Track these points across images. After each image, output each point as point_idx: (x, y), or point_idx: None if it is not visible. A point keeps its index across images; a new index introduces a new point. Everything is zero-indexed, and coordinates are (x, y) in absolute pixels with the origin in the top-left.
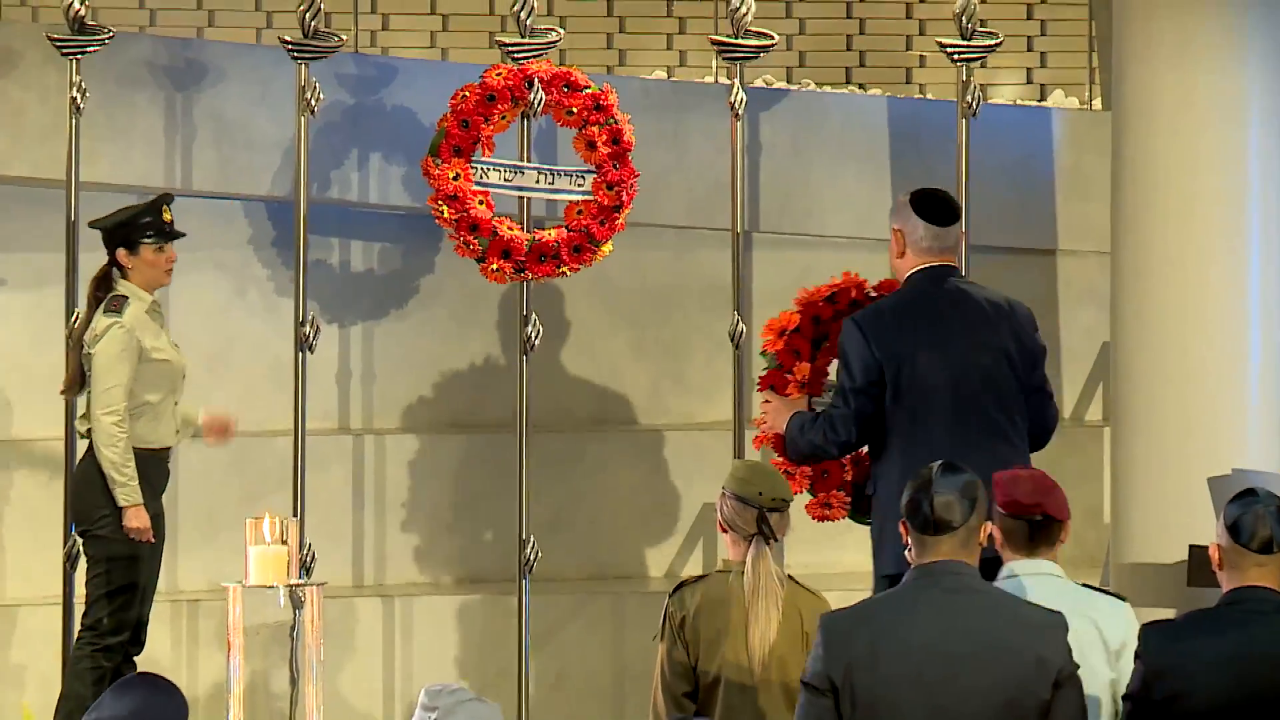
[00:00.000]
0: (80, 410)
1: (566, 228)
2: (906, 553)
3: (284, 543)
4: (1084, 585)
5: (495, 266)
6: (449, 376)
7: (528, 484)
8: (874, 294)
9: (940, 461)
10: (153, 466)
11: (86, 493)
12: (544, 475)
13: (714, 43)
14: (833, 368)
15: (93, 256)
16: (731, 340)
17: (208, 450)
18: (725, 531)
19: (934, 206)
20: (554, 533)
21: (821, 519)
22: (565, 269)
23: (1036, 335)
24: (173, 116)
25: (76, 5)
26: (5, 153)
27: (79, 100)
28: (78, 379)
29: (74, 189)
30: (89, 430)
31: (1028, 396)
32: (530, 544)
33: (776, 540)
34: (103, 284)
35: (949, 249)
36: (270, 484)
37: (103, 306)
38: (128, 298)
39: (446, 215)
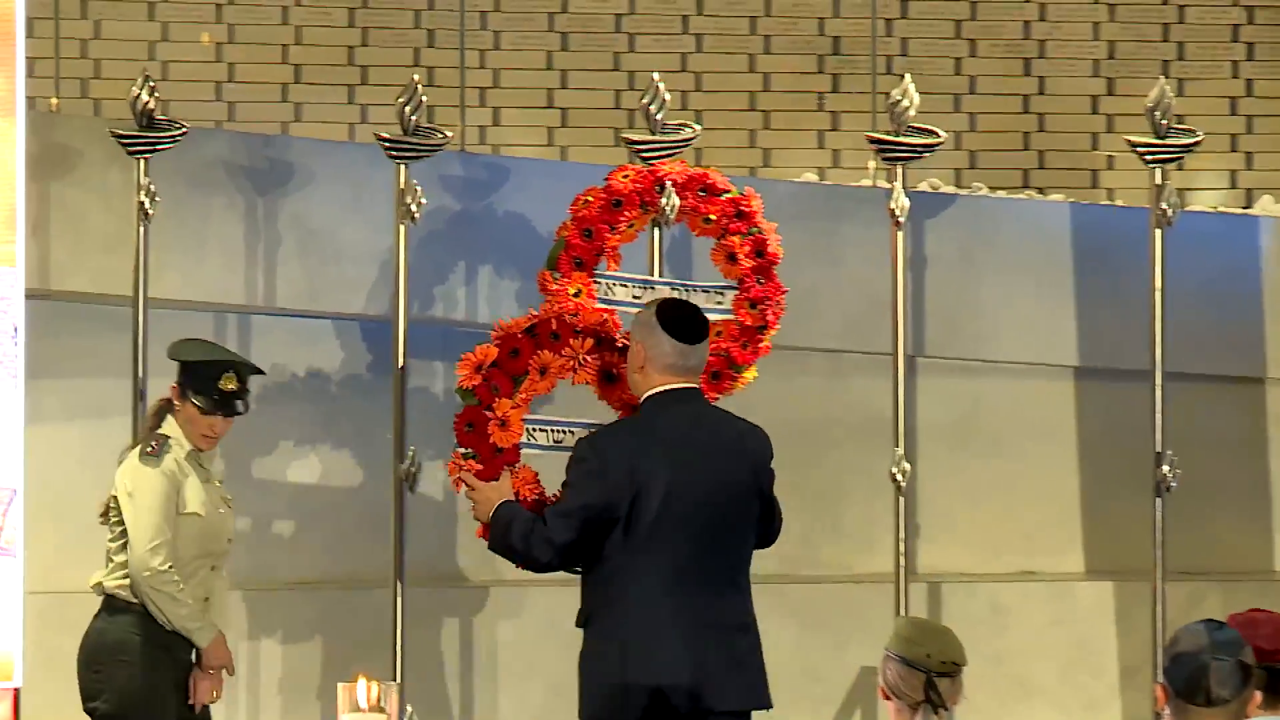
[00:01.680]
0: (108, 565)
1: None
2: (1165, 717)
3: (382, 710)
4: None
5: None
6: None
7: None
8: (579, 327)
9: (1207, 621)
10: (174, 636)
11: (96, 661)
12: None
13: (872, 141)
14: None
15: (163, 382)
16: (893, 481)
17: (292, 604)
18: (888, 699)
19: (682, 322)
20: None
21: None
22: None
23: (770, 462)
24: (253, 224)
25: (145, 97)
26: (63, 264)
27: (147, 205)
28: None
29: (141, 306)
30: (109, 586)
31: (759, 518)
32: None
33: (947, 709)
34: (157, 416)
35: (692, 369)
36: (366, 643)
37: (140, 448)
38: (169, 438)
39: None
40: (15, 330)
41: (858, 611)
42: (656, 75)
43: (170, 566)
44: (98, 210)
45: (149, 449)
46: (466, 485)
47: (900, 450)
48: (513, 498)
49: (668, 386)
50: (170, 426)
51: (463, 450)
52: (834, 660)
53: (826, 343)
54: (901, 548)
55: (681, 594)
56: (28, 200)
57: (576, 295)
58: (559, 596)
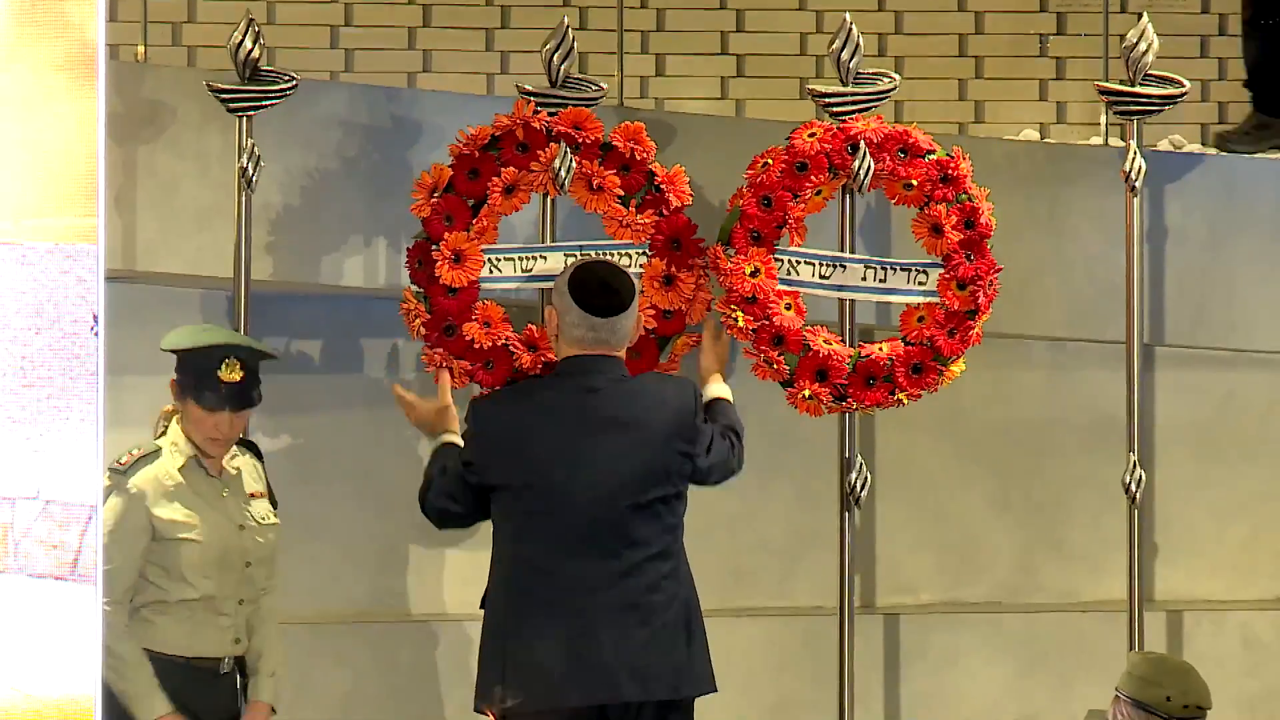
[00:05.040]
0: None
1: (904, 340)
2: None
3: None
4: None
5: (807, 393)
6: (745, 541)
7: (853, 683)
8: (561, 131)
9: None
10: (188, 679)
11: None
12: (873, 673)
13: (1102, 91)
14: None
15: (273, 380)
16: (1127, 493)
17: None
18: None
19: (592, 292)
20: None
21: None
22: (902, 396)
23: (693, 420)
24: (375, 192)
25: (248, 45)
26: (153, 242)
27: (250, 171)
28: None
29: (243, 290)
30: None
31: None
32: None
33: None
34: (166, 422)
35: (604, 341)
36: None
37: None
38: (159, 448)
39: (741, 324)
40: (94, 319)
41: (1084, 646)
42: (849, 15)
43: (115, 605)
44: (192, 178)
45: (119, 461)
46: (404, 403)
47: (1135, 456)
48: (452, 428)
49: (575, 354)
50: (175, 432)
51: (414, 289)
52: (1056, 702)
53: (1049, 330)
54: (1137, 571)
55: (558, 580)
56: (109, 166)
57: (754, 275)
58: (729, 628)
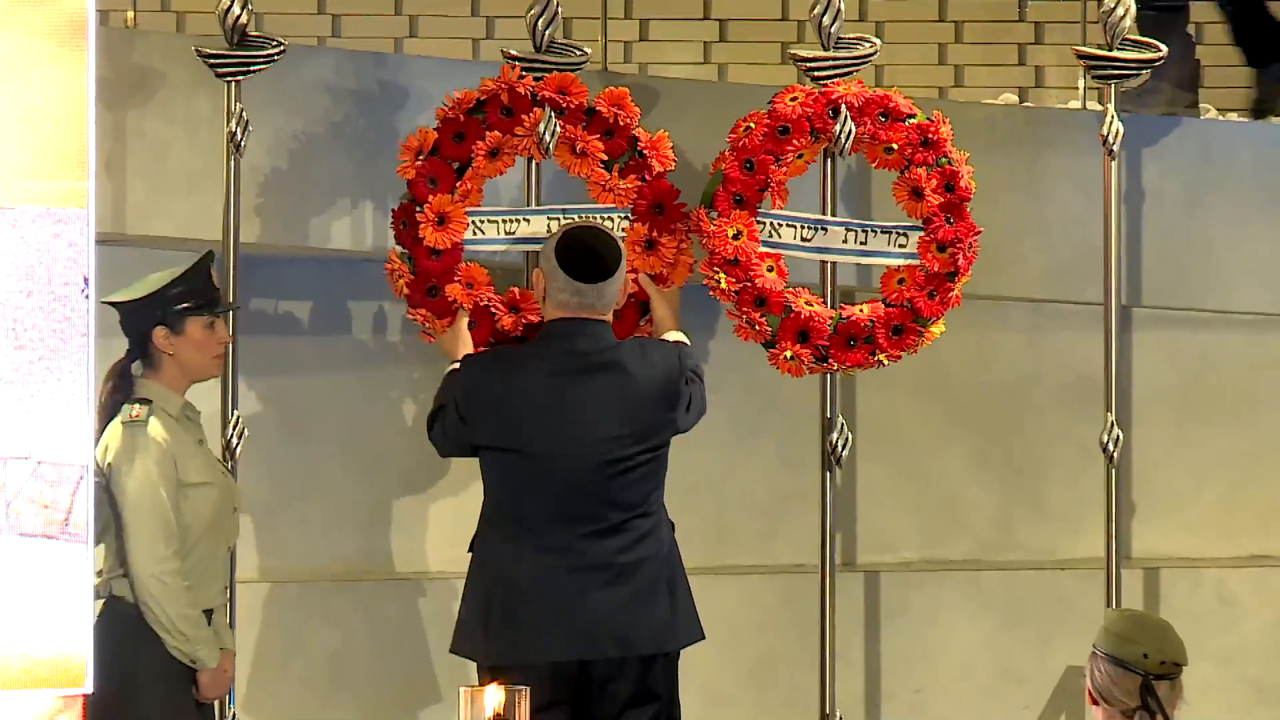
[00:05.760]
0: (98, 564)
1: (884, 302)
2: None
3: None
4: None
5: (789, 353)
6: (728, 500)
7: (834, 640)
8: (546, 96)
9: None
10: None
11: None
12: (854, 630)
13: (1080, 56)
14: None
15: (257, 340)
16: (1104, 451)
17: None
18: (1096, 704)
19: (578, 258)
20: (870, 705)
21: None
22: (882, 357)
23: (677, 382)
24: (362, 156)
25: (236, 10)
26: (142, 205)
27: (239, 135)
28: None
29: (232, 253)
30: (118, 590)
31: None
32: (837, 718)
33: (1166, 717)
34: (121, 385)
35: (589, 306)
36: None
37: (120, 417)
38: (152, 402)
39: (724, 285)
40: (85, 282)
41: (1063, 603)
42: None
43: (175, 553)
44: (181, 143)
45: (133, 413)
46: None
47: (1113, 416)
48: (470, 350)
49: (561, 317)
50: (145, 388)
51: (399, 250)
52: (1035, 659)
53: (1028, 291)
54: (1114, 529)
55: (543, 538)
56: (99, 132)
57: (736, 237)
58: (710, 585)
